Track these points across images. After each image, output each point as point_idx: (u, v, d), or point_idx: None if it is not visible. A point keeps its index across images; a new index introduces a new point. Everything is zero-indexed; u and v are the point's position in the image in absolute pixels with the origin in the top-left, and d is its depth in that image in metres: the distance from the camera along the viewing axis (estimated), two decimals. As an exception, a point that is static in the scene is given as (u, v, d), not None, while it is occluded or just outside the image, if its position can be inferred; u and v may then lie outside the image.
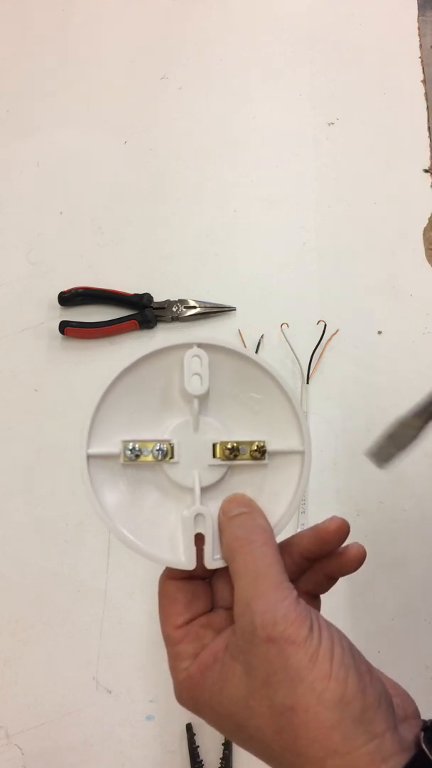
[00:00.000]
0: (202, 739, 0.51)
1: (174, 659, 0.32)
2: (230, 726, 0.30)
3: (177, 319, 0.66)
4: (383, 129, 0.76)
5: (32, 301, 0.68)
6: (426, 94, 0.79)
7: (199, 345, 0.36)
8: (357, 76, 0.80)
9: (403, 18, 0.84)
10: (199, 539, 0.34)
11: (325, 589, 0.36)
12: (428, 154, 0.75)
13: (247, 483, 0.36)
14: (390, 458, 0.42)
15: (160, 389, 0.37)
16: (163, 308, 0.66)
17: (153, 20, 0.86)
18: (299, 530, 0.56)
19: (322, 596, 0.36)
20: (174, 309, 0.66)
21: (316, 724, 0.26)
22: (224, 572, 0.33)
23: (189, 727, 0.51)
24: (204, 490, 0.35)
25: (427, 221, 0.71)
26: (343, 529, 0.34)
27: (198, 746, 0.50)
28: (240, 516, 0.33)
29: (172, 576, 0.34)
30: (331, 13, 0.85)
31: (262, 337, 0.65)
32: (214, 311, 0.66)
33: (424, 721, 0.29)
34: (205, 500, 0.35)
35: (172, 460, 0.35)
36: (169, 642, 0.32)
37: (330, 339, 0.64)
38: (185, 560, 0.33)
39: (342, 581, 0.55)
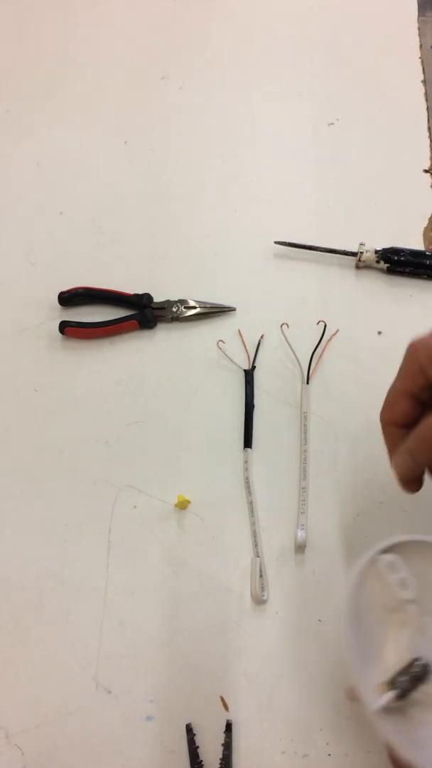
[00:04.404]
0: (202, 739, 0.51)
1: None
2: None
3: (177, 319, 0.66)
4: (383, 129, 0.76)
5: (32, 301, 0.68)
6: (426, 94, 0.79)
7: (384, 551, 0.39)
8: (357, 76, 0.80)
9: (403, 18, 0.84)
10: None
11: None
12: (428, 154, 0.75)
13: None
14: None
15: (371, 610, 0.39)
16: (163, 308, 0.66)
17: (153, 20, 0.86)
18: (299, 531, 0.56)
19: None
20: (174, 309, 0.66)
21: None
22: None
23: (189, 728, 0.51)
24: None
25: (427, 221, 0.71)
26: None
27: (198, 746, 0.50)
28: None
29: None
30: (331, 13, 0.85)
31: (262, 337, 0.65)
32: (214, 311, 0.66)
33: None
34: None
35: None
36: None
37: (330, 339, 0.64)
38: None
39: (341, 583, 0.55)
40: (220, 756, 0.50)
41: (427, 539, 0.42)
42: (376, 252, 0.67)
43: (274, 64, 0.82)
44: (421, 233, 0.70)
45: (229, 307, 0.67)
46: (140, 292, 0.67)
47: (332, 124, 0.77)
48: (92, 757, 0.51)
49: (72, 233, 0.72)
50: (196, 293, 0.67)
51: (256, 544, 0.56)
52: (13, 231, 0.73)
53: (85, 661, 0.53)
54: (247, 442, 0.60)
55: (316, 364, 0.63)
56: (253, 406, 0.61)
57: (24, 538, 0.58)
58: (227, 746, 0.50)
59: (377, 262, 0.67)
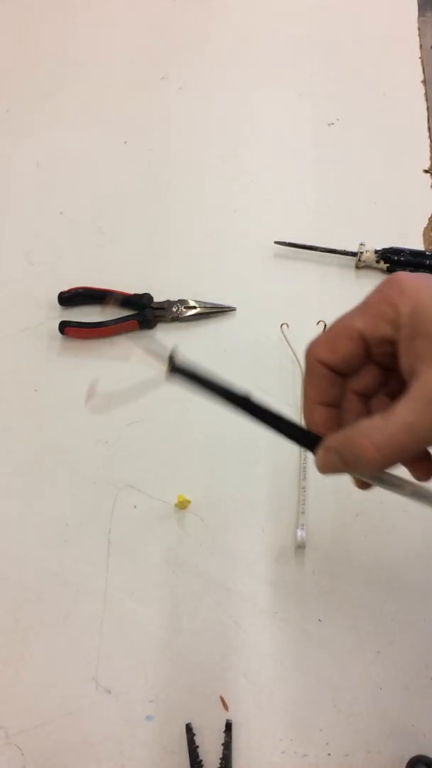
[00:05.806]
0: (201, 739, 0.51)
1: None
2: None
3: (177, 319, 0.66)
4: (383, 129, 0.76)
5: (32, 301, 0.68)
6: (426, 94, 0.79)
7: None
8: (357, 76, 0.80)
9: (403, 18, 0.84)
10: None
11: None
12: (428, 154, 0.75)
13: None
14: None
15: None
16: (163, 308, 0.66)
17: (153, 20, 0.86)
18: (299, 531, 0.56)
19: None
20: (174, 309, 0.66)
21: None
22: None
23: (189, 727, 0.51)
24: None
25: (427, 221, 0.71)
26: None
27: (198, 746, 0.50)
28: None
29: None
30: (331, 13, 0.85)
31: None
32: (214, 311, 0.66)
33: None
34: None
35: None
36: None
37: (330, 339, 0.64)
38: None
39: (341, 583, 0.55)
40: (220, 756, 0.50)
41: None
42: (376, 252, 0.67)
43: (274, 64, 0.82)
44: (421, 233, 0.70)
45: (229, 307, 0.67)
46: (140, 292, 0.67)
47: (332, 124, 0.77)
48: (92, 757, 0.51)
49: (72, 233, 0.72)
50: (196, 293, 0.67)
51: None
52: (13, 231, 0.73)
53: (85, 661, 0.53)
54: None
55: (316, 364, 0.63)
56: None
57: (24, 538, 0.58)
58: (227, 746, 0.50)
59: (377, 262, 0.67)
